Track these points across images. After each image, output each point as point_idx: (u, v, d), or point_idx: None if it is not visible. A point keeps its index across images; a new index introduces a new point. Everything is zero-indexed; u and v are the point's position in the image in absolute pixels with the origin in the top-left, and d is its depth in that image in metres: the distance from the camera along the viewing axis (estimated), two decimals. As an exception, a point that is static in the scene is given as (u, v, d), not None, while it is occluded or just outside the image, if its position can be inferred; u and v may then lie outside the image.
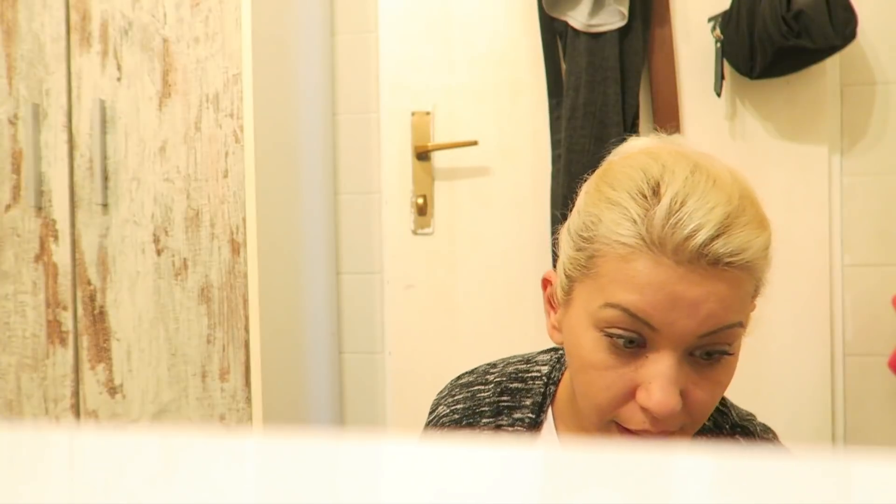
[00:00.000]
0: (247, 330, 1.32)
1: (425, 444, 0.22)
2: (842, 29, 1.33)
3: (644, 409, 0.53)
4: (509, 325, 1.57)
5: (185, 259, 1.33)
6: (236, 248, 1.32)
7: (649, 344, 0.53)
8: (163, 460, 0.21)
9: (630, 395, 0.54)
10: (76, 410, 1.38)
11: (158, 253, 1.34)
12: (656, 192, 0.53)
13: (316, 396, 1.60)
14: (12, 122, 1.39)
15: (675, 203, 0.52)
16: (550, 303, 0.64)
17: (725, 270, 0.51)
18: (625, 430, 0.56)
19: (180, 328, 1.34)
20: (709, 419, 0.66)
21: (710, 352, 0.53)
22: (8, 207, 1.39)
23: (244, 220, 1.31)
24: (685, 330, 0.52)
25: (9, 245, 1.39)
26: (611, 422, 0.56)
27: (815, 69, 1.44)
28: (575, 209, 0.61)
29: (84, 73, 1.36)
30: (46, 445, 0.22)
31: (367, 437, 0.22)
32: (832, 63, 1.46)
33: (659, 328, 0.52)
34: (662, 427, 0.54)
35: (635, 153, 0.60)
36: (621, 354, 0.54)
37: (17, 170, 1.38)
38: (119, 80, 1.36)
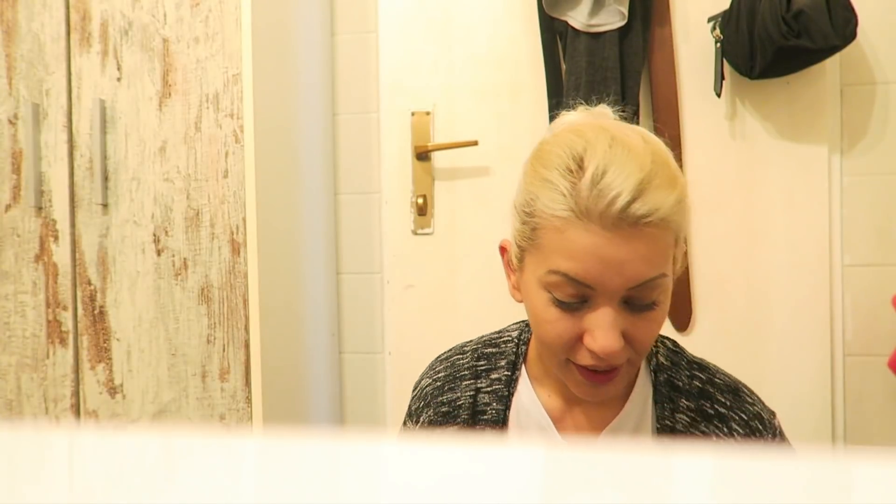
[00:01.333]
0: (247, 330, 1.32)
1: (425, 444, 0.22)
2: (842, 29, 1.33)
3: (591, 351, 0.63)
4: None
5: (185, 259, 1.33)
6: (236, 248, 1.32)
7: (590, 299, 0.63)
8: (163, 460, 0.21)
9: (579, 339, 0.64)
10: (76, 410, 1.38)
11: (158, 253, 1.34)
12: (581, 166, 0.62)
13: (316, 396, 1.60)
14: (12, 122, 1.39)
15: (597, 175, 0.60)
16: (509, 267, 0.73)
17: (644, 229, 0.60)
18: (580, 368, 0.66)
19: (180, 328, 1.34)
20: (667, 359, 0.74)
21: (642, 305, 0.63)
22: (8, 207, 1.39)
23: (244, 220, 1.31)
24: (616, 286, 0.61)
25: (9, 245, 1.39)
26: (566, 361, 0.66)
27: (815, 69, 1.44)
28: (518, 186, 0.69)
29: (84, 73, 1.36)
30: (46, 445, 0.22)
31: (367, 437, 0.22)
32: (832, 63, 1.46)
33: (595, 287, 0.61)
34: (609, 363, 0.64)
35: (562, 131, 0.68)
36: (567, 309, 0.64)
37: (17, 170, 1.38)
38: (119, 80, 1.36)
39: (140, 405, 1.36)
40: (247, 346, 1.32)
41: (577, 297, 0.62)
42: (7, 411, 1.39)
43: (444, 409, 0.77)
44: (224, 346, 1.32)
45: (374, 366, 1.71)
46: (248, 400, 1.32)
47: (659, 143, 0.66)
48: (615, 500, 0.18)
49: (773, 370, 1.48)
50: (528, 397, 0.75)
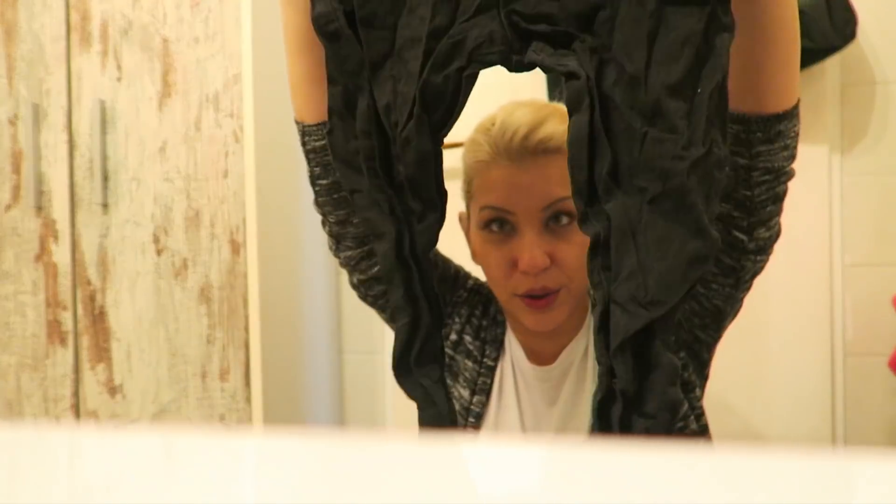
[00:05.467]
0: (247, 330, 1.32)
1: (424, 445, 0.22)
2: (842, 29, 1.33)
3: (524, 273, 0.71)
4: (509, 325, 1.57)
5: (185, 259, 1.34)
6: (236, 248, 1.32)
7: (516, 227, 0.72)
8: (163, 460, 0.21)
9: (513, 267, 0.72)
10: (76, 410, 1.38)
11: (158, 253, 1.34)
12: (493, 122, 0.75)
13: (316, 396, 1.60)
14: (12, 122, 1.39)
15: (503, 122, 0.73)
16: (467, 233, 0.82)
17: (544, 157, 0.71)
18: (524, 300, 0.73)
19: (180, 328, 1.34)
20: None
21: (558, 216, 0.71)
22: (8, 207, 1.39)
23: (244, 220, 1.31)
24: (530, 207, 0.71)
25: (9, 245, 1.39)
26: (512, 296, 0.74)
27: (815, 69, 1.44)
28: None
29: (84, 73, 1.36)
30: (46, 445, 0.22)
31: (367, 437, 0.22)
32: (832, 63, 1.46)
33: (514, 211, 0.72)
34: (543, 283, 0.71)
35: None
36: (499, 240, 0.73)
37: (17, 170, 1.38)
38: (119, 80, 1.36)
39: (140, 405, 1.36)
40: (247, 346, 1.32)
41: (503, 222, 0.73)
42: (7, 411, 1.39)
43: (485, 314, 0.86)
44: (224, 346, 1.32)
45: (374, 366, 1.71)
46: (248, 400, 1.32)
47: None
48: (614, 499, 0.18)
49: (773, 370, 1.48)
50: (510, 332, 0.85)
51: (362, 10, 0.53)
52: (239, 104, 1.31)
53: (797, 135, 0.62)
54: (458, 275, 0.89)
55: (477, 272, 0.86)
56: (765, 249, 0.67)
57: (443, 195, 0.56)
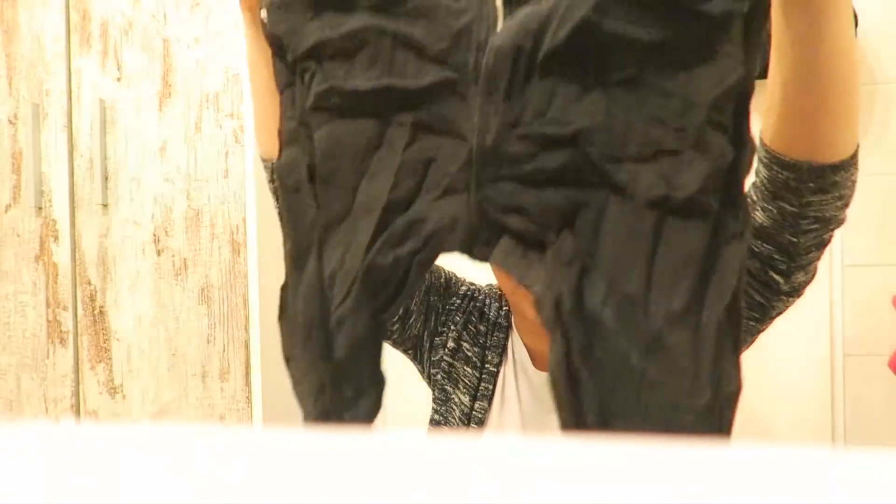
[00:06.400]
0: (247, 330, 1.32)
1: (426, 443, 0.22)
2: (842, 29, 1.33)
3: None
4: (509, 325, 1.57)
5: (185, 259, 1.34)
6: (236, 248, 1.32)
7: None
8: (163, 460, 0.21)
9: None
10: (76, 410, 1.38)
11: (158, 253, 1.35)
12: None
13: (316, 396, 1.60)
14: (12, 122, 1.39)
15: None
16: None
17: None
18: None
19: (180, 328, 1.34)
20: None
21: None
22: (8, 207, 1.39)
23: (244, 220, 1.31)
24: None
25: (9, 245, 1.39)
26: (517, 287, 0.71)
27: (815, 69, 1.44)
28: None
29: (84, 73, 1.37)
30: (46, 445, 0.22)
31: (367, 437, 0.22)
32: (832, 63, 1.46)
33: None
34: None
35: None
36: None
37: (17, 170, 1.38)
38: (119, 80, 1.36)
39: (140, 405, 1.36)
40: (247, 346, 1.32)
41: None
42: (7, 411, 1.39)
43: (482, 319, 0.85)
44: (224, 346, 1.32)
45: (374, 366, 1.71)
46: (248, 400, 1.32)
47: None
48: (610, 496, 0.18)
49: (773, 370, 1.48)
50: (516, 336, 0.84)
51: (323, 166, 0.46)
52: (239, 104, 1.31)
53: (854, 183, 0.55)
54: (451, 282, 0.88)
55: (478, 275, 0.86)
56: (798, 291, 0.62)
57: (378, 383, 0.47)
